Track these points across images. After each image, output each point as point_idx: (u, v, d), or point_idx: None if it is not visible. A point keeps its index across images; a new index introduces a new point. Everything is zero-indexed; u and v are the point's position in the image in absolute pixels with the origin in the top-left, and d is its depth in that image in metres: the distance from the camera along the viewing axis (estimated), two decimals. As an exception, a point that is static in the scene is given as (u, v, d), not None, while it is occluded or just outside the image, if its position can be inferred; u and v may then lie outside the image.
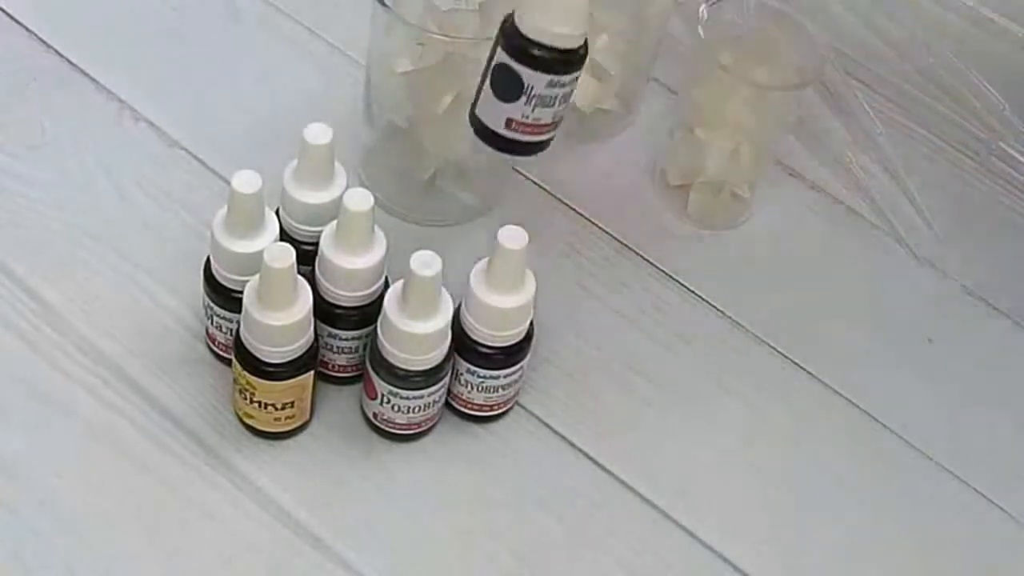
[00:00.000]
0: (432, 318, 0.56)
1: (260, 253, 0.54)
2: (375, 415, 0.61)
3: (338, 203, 0.57)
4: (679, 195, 0.73)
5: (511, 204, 0.72)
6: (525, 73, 0.55)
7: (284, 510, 0.59)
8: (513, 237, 0.56)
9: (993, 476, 0.65)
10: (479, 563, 0.59)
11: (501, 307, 0.58)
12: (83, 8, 0.77)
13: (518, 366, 0.61)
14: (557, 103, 0.57)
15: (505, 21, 0.55)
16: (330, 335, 0.60)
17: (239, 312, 0.57)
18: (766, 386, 0.67)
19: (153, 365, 0.62)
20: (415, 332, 0.56)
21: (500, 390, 0.61)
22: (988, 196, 0.79)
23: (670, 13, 0.75)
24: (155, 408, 0.61)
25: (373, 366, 0.59)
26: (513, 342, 0.59)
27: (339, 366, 0.62)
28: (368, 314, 0.59)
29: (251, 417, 0.59)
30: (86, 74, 0.73)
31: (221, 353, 0.62)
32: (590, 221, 0.72)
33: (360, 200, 0.56)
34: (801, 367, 0.68)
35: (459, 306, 0.59)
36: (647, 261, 0.71)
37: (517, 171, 0.73)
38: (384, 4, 0.62)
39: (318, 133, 0.58)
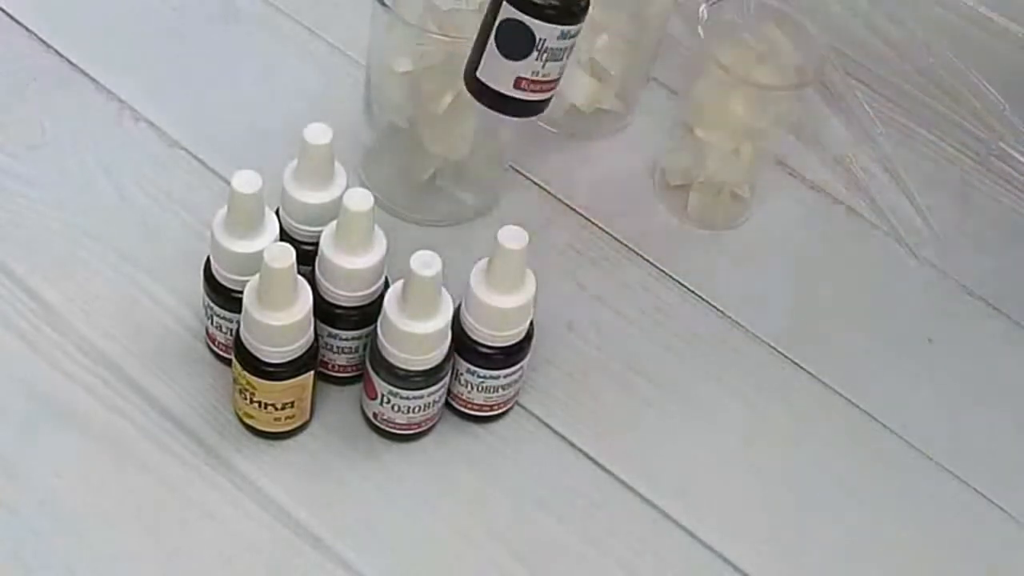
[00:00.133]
0: (432, 318, 0.56)
1: (260, 253, 0.54)
2: (375, 415, 0.61)
3: (338, 203, 0.57)
4: (679, 195, 0.73)
5: (511, 204, 0.72)
6: (536, 26, 0.54)
7: (284, 510, 0.59)
8: (513, 237, 0.56)
9: (993, 476, 0.65)
10: (479, 563, 0.59)
11: (501, 307, 0.58)
12: (83, 8, 0.77)
13: (518, 366, 0.61)
14: (565, 57, 0.56)
15: None
16: (330, 335, 0.60)
17: (239, 312, 0.57)
18: (766, 386, 0.67)
19: (153, 365, 0.62)
20: (415, 332, 0.56)
21: (500, 390, 0.61)
22: (988, 196, 0.79)
23: (670, 13, 0.75)
24: (155, 408, 0.61)
25: (373, 366, 0.59)
26: (513, 342, 0.59)
27: (339, 366, 0.62)
28: (368, 314, 0.59)
29: (251, 417, 0.59)
30: (86, 74, 0.73)
31: (221, 353, 0.62)
32: (590, 221, 0.72)
33: (360, 200, 0.56)
34: (801, 367, 0.68)
35: (459, 306, 0.59)
36: (647, 261, 0.71)
37: (517, 171, 0.73)
38: (384, 4, 0.62)
39: (318, 133, 0.58)
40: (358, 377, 0.62)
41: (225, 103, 0.74)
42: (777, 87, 0.69)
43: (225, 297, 0.59)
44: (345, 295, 0.59)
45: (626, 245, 0.72)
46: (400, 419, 0.60)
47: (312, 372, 0.58)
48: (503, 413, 0.63)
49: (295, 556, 0.58)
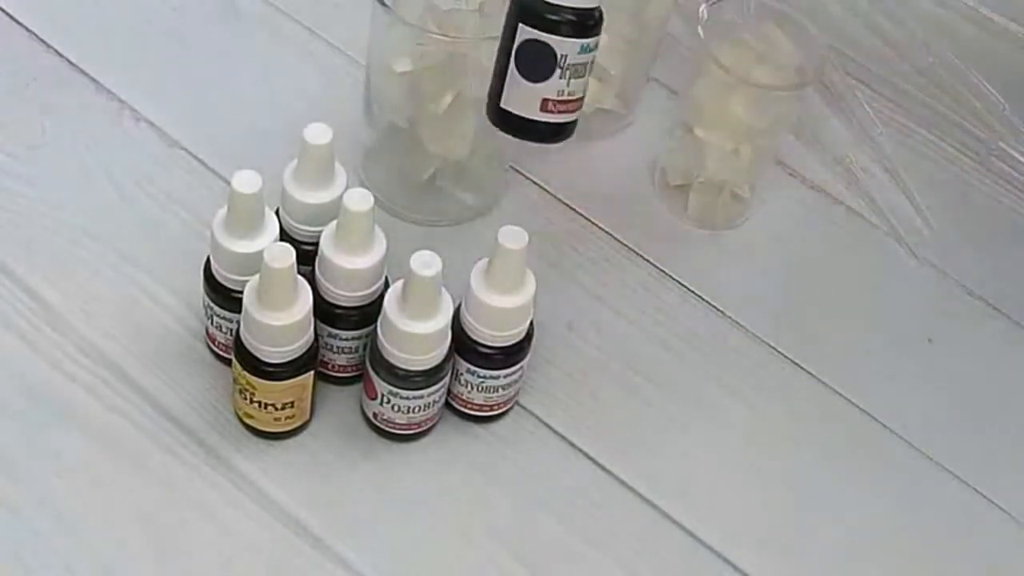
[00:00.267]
0: (432, 318, 0.56)
1: (260, 253, 0.54)
2: (375, 415, 0.61)
3: (338, 203, 0.57)
4: (679, 195, 0.74)
5: (511, 204, 0.72)
6: (556, 42, 0.54)
7: (284, 510, 0.59)
8: (513, 237, 0.56)
9: (993, 476, 0.65)
10: (479, 563, 0.59)
11: (501, 307, 0.58)
12: (83, 8, 0.77)
13: (518, 366, 0.61)
14: (587, 72, 0.56)
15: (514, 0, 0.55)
16: (330, 335, 0.60)
17: (239, 312, 0.57)
18: (766, 386, 0.67)
19: (153, 365, 0.62)
20: (415, 332, 0.56)
21: (500, 390, 0.61)
22: (988, 196, 0.79)
23: (670, 13, 0.75)
24: (155, 408, 0.61)
25: (373, 366, 0.59)
26: (513, 342, 0.59)
27: (339, 366, 0.62)
28: (368, 314, 0.59)
29: (251, 417, 0.59)
30: (86, 74, 0.73)
31: (221, 353, 0.62)
32: (590, 221, 0.72)
33: (360, 200, 0.56)
34: (801, 367, 0.68)
35: (459, 306, 0.59)
36: (647, 261, 0.71)
37: (517, 171, 0.73)
38: (384, 4, 0.62)
39: (318, 133, 0.58)
40: (358, 377, 0.62)
41: (225, 103, 0.74)
42: (777, 87, 0.69)
43: (225, 297, 0.59)
44: (345, 295, 0.59)
45: (626, 245, 0.72)
46: (400, 419, 0.60)
47: (312, 372, 0.58)
48: (503, 413, 0.63)
49: (295, 556, 0.58)
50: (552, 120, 0.56)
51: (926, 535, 0.63)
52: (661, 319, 0.69)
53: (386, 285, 0.59)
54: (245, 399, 0.58)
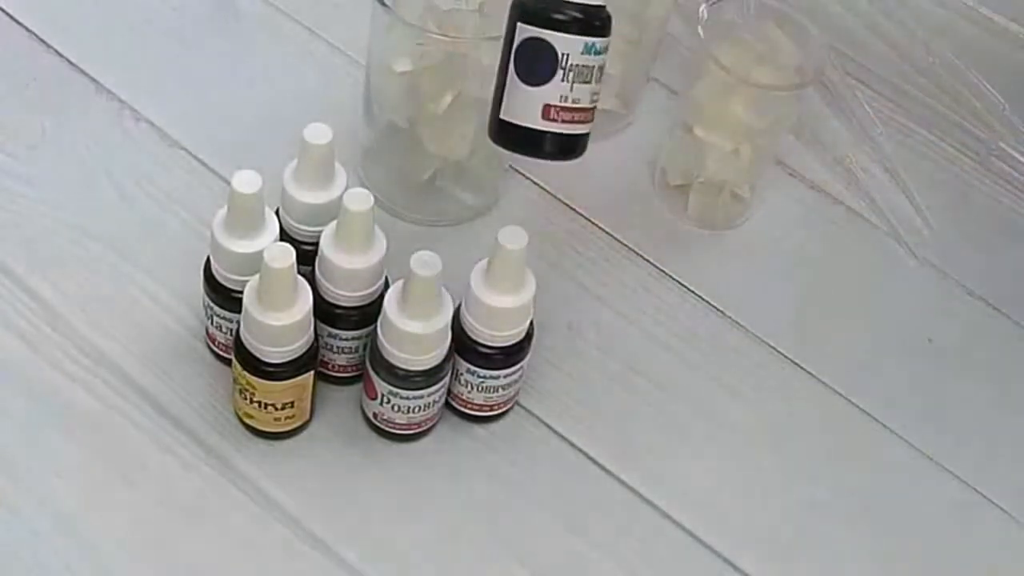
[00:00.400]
0: (432, 318, 0.56)
1: (260, 253, 0.54)
2: (375, 415, 0.61)
3: (338, 203, 0.57)
4: (679, 195, 0.73)
5: (511, 204, 0.72)
6: (556, 39, 0.51)
7: (284, 510, 0.59)
8: (513, 237, 0.56)
9: (993, 476, 0.65)
10: (479, 563, 0.59)
11: (501, 307, 0.58)
12: (83, 8, 0.77)
13: (518, 366, 0.61)
14: (594, 79, 0.53)
15: None
16: (330, 335, 0.60)
17: (239, 312, 0.57)
18: (766, 386, 0.67)
19: (153, 365, 0.62)
20: (415, 332, 0.56)
21: (500, 390, 0.61)
22: (988, 196, 0.79)
23: (670, 13, 0.75)
24: (155, 408, 0.61)
25: (373, 366, 0.59)
26: (513, 342, 0.59)
27: (339, 366, 0.62)
28: (368, 314, 0.59)
29: (251, 417, 0.59)
30: (86, 74, 0.73)
31: (221, 353, 0.62)
32: (590, 221, 0.72)
33: (360, 200, 0.56)
34: (801, 367, 0.68)
35: (459, 306, 0.59)
36: (647, 261, 0.71)
37: (517, 171, 0.73)
38: (384, 4, 0.62)
39: (318, 133, 0.58)
40: (358, 377, 0.62)
41: (225, 103, 0.74)
42: (777, 87, 0.69)
43: (225, 297, 0.59)
44: (345, 295, 0.59)
45: (626, 245, 0.72)
46: (400, 419, 0.60)
47: (312, 372, 0.58)
48: (503, 413, 0.63)
49: (295, 556, 0.58)
50: (556, 130, 0.53)
51: (926, 535, 0.63)
52: (661, 319, 0.69)
53: (386, 285, 0.59)
54: (245, 399, 0.58)
